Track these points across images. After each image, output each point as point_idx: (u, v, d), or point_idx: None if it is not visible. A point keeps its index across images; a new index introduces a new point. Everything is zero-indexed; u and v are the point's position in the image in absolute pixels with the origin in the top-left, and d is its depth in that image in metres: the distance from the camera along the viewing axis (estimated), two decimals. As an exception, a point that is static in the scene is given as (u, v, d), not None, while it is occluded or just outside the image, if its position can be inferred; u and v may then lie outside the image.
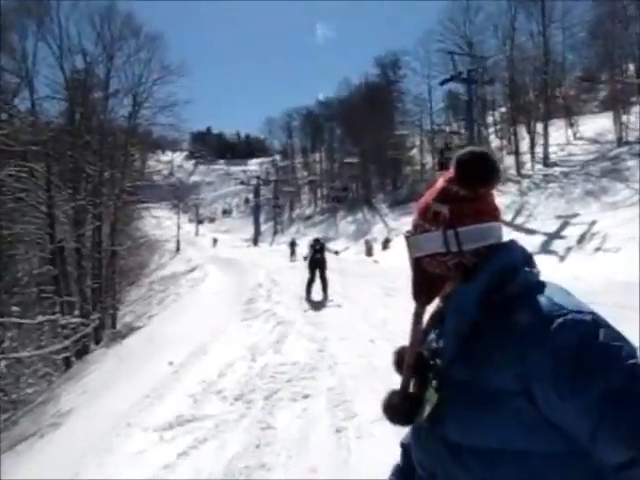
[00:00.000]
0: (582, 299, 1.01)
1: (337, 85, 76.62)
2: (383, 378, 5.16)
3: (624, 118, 28.06)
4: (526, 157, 33.17)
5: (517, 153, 33.38)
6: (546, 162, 30.62)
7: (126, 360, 12.09)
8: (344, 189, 58.14)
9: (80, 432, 7.35)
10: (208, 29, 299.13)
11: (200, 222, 78.71)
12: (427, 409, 1.04)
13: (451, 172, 1.10)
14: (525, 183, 27.81)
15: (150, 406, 6.19)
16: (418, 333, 1.15)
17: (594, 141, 30.17)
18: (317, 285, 12.32)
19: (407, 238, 1.17)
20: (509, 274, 1.03)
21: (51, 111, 26.89)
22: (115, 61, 27.43)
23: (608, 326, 0.94)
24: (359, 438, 4.34)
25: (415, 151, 52.46)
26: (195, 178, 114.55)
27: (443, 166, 31.71)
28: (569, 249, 16.89)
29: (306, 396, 5.52)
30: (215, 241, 54.89)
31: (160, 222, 38.44)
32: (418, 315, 1.15)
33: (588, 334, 0.91)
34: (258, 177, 72.23)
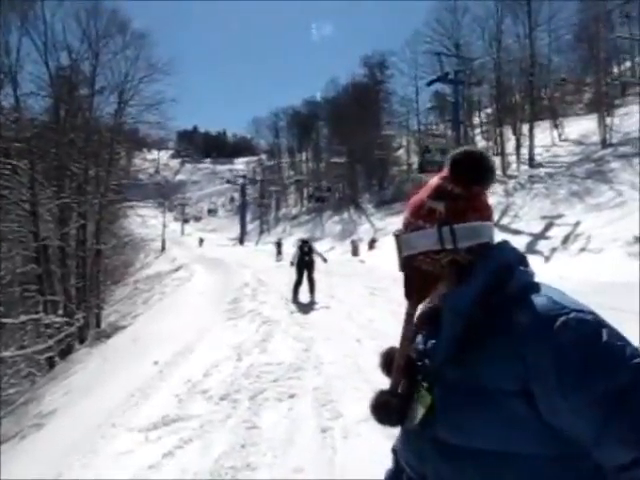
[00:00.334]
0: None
1: (324, 85, 76.41)
2: (369, 378, 5.17)
3: (608, 120, 28.34)
4: (512, 158, 33.44)
5: (503, 154, 33.64)
6: (531, 163, 30.89)
7: (111, 360, 12.01)
8: (327, 189, 58.14)
9: (64, 433, 7.28)
10: (194, 28, 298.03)
11: (186, 221, 78.37)
12: (420, 411, 1.02)
13: (446, 171, 1.10)
14: (511, 184, 28.01)
15: (135, 406, 6.15)
16: (409, 333, 1.14)
17: (579, 143, 30.48)
18: (304, 286, 12.15)
19: (397, 237, 1.16)
20: (505, 274, 1.03)
21: (35, 107, 26.59)
22: (101, 58, 27.14)
23: (609, 326, 0.93)
24: (345, 438, 4.34)
25: (402, 151, 52.63)
26: (181, 177, 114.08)
27: (423, 169, 31.91)
28: (554, 250, 17.05)
29: (292, 396, 5.51)
30: (201, 241, 54.63)
31: (145, 221, 38.17)
32: (410, 315, 1.14)
33: (591, 333, 0.90)
34: (244, 176, 72.01)
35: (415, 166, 45.59)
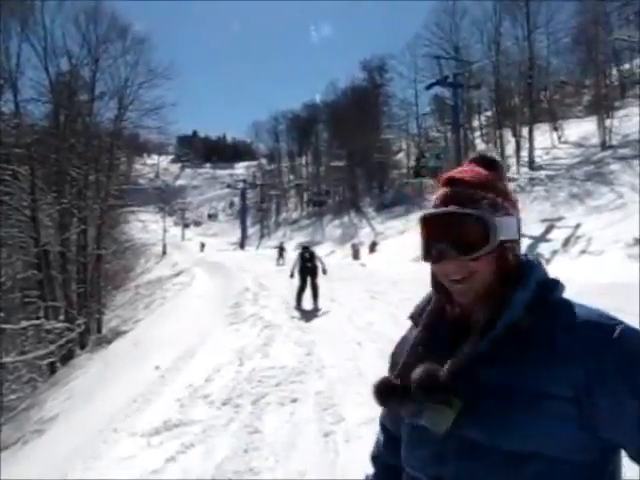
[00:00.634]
0: None
1: (324, 88, 76.46)
2: (370, 381, 5.16)
3: (608, 122, 28.39)
4: (512, 160, 33.43)
5: (503, 157, 33.54)
6: (531, 165, 30.91)
7: (112, 365, 12.00)
8: (326, 193, 58.17)
9: (65, 438, 7.28)
10: (193, 33, 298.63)
11: (186, 226, 78.32)
12: (448, 414, 0.95)
13: (479, 169, 1.08)
14: (511, 186, 27.96)
15: (137, 411, 6.14)
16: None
17: (578, 145, 30.53)
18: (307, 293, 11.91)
19: (488, 217, 1.00)
20: (550, 283, 1.02)
21: (35, 113, 26.75)
22: (101, 63, 27.30)
23: None
24: (347, 442, 4.33)
25: (401, 155, 52.71)
26: (181, 182, 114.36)
27: (418, 173, 31.97)
28: (555, 252, 17.04)
29: (294, 400, 5.50)
30: (203, 245, 54.47)
31: (146, 226, 38.34)
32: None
33: None
34: (244, 181, 72.10)
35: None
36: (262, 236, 63.98)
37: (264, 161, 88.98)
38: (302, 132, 72.10)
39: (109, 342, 16.82)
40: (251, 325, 9.76)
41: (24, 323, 19.42)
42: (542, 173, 27.89)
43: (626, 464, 0.96)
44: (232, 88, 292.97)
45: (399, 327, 1.22)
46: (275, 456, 4.24)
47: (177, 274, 26.48)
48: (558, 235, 18.37)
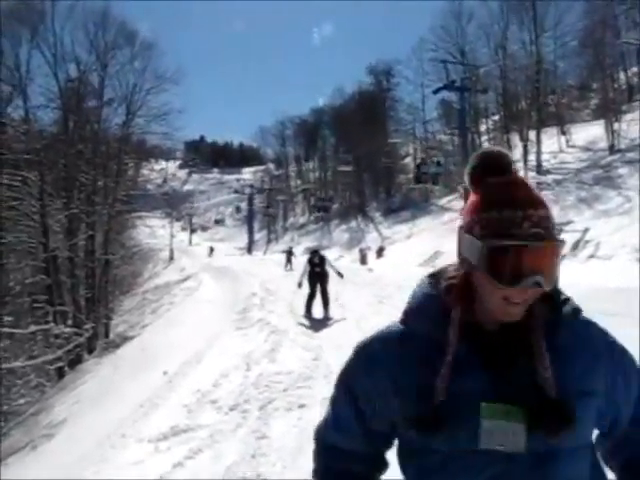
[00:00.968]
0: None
1: (331, 93, 76.66)
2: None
3: (616, 126, 28.27)
4: (519, 165, 33.29)
5: (510, 161, 33.51)
6: (539, 170, 30.81)
7: (120, 370, 12.03)
8: (330, 199, 58.11)
9: (74, 443, 7.30)
10: (200, 38, 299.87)
11: (193, 231, 78.49)
12: (519, 429, 0.93)
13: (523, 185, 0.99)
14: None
15: (145, 416, 6.16)
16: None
17: (586, 149, 30.40)
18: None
19: (556, 243, 0.96)
20: (565, 297, 1.09)
21: (45, 119, 26.98)
22: (109, 70, 27.49)
23: None
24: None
25: (408, 159, 52.59)
26: (188, 187, 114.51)
27: (419, 180, 31.88)
28: (563, 256, 16.88)
29: (302, 405, 5.48)
30: (212, 250, 54.28)
31: (154, 231, 38.41)
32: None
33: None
34: (252, 186, 72.22)
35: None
36: (269, 241, 63.99)
37: (271, 166, 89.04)
38: (309, 137, 72.16)
39: (117, 347, 16.86)
40: (258, 330, 9.75)
41: (32, 328, 19.52)
42: (550, 177, 27.82)
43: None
44: (238, 92, 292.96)
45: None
46: (283, 462, 4.23)
47: (184, 279, 26.50)
48: (566, 239, 18.25)
